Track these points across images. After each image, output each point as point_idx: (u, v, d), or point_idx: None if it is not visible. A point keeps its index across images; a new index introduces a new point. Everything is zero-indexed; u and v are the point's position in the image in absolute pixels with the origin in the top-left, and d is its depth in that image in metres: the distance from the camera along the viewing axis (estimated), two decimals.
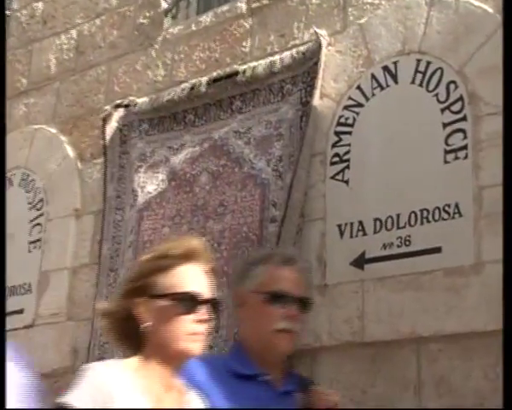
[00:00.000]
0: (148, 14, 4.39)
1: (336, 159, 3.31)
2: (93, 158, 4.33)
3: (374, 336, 3.03)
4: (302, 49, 3.56)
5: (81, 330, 4.01)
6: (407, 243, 3.03)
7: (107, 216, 4.08)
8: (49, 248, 4.33)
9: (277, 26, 3.77)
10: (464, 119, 3.04)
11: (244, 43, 3.88)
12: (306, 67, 3.50)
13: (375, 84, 3.31)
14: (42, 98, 4.75)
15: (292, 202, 3.27)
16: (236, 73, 3.71)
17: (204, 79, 3.82)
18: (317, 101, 3.38)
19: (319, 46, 3.43)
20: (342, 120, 3.35)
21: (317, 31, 3.45)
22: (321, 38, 3.42)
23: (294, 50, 3.58)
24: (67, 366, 4.00)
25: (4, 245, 4.32)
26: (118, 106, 4.17)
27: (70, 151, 4.45)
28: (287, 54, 3.59)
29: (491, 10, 3.10)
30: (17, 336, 4.24)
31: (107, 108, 4.18)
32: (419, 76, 3.20)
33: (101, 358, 3.77)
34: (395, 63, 3.28)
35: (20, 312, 4.31)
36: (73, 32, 4.75)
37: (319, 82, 3.38)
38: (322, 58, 3.40)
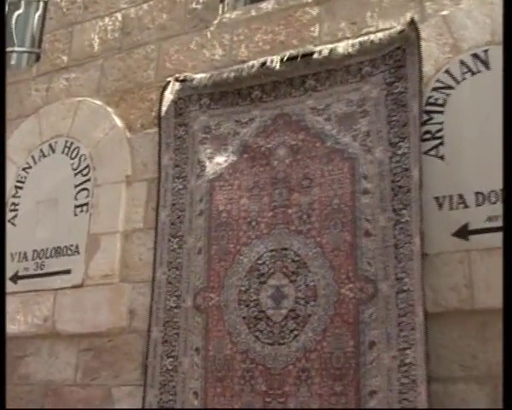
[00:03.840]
0: (200, 0, 3.51)
1: (428, 136, 2.62)
2: (144, 128, 3.40)
3: (484, 304, 2.35)
4: (380, 35, 2.82)
5: (137, 291, 3.10)
6: None
7: (163, 184, 3.17)
8: (98, 212, 3.35)
9: (347, 15, 3.03)
10: None
11: (312, 29, 3.10)
12: (386, 52, 2.77)
13: (465, 70, 2.65)
14: (84, 73, 3.75)
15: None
16: (311, 54, 2.93)
17: (276, 58, 3.00)
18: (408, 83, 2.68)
19: (415, 32, 2.67)
20: (432, 101, 2.66)
21: (413, 17, 2.73)
22: (415, 26, 2.69)
23: (372, 36, 2.84)
24: (123, 326, 3.08)
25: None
26: (176, 79, 3.26)
27: (118, 121, 3.49)
28: (364, 38, 2.85)
29: None
30: (65, 295, 3.28)
31: (170, 79, 3.25)
32: None
33: (167, 321, 2.90)
34: (485, 51, 2.63)
35: (68, 272, 3.30)
36: (118, 15, 3.78)
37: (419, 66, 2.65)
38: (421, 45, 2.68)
